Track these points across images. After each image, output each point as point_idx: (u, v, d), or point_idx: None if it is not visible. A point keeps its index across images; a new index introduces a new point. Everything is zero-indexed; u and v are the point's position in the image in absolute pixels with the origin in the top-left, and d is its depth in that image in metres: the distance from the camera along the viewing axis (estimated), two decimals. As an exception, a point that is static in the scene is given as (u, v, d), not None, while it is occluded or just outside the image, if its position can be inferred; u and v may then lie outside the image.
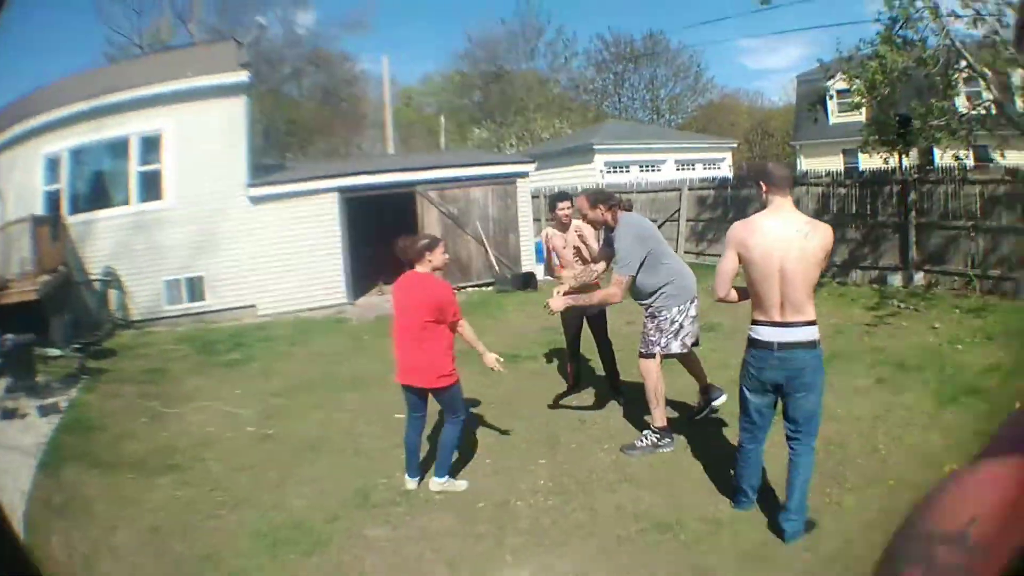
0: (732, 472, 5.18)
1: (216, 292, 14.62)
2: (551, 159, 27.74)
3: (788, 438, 4.67)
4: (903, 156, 13.38)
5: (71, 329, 11.57)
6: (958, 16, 11.28)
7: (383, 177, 16.22)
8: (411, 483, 5.71)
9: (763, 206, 4.58)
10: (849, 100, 28.47)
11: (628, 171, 28.34)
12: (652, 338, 6.17)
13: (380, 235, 17.30)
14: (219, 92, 14.71)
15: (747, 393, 4.72)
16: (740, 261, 4.55)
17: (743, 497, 5.02)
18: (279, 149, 36.70)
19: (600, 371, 7.97)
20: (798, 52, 77.43)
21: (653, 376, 6.18)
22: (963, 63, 11.51)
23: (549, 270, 7.83)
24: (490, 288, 16.08)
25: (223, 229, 14.50)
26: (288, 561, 4.63)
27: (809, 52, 77.94)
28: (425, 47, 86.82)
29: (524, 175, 17.35)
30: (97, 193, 14.99)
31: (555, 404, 7.65)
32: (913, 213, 13.06)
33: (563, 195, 7.68)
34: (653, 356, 6.15)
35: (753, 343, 4.59)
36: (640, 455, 6.15)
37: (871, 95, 12.54)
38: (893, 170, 13.55)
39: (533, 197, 19.62)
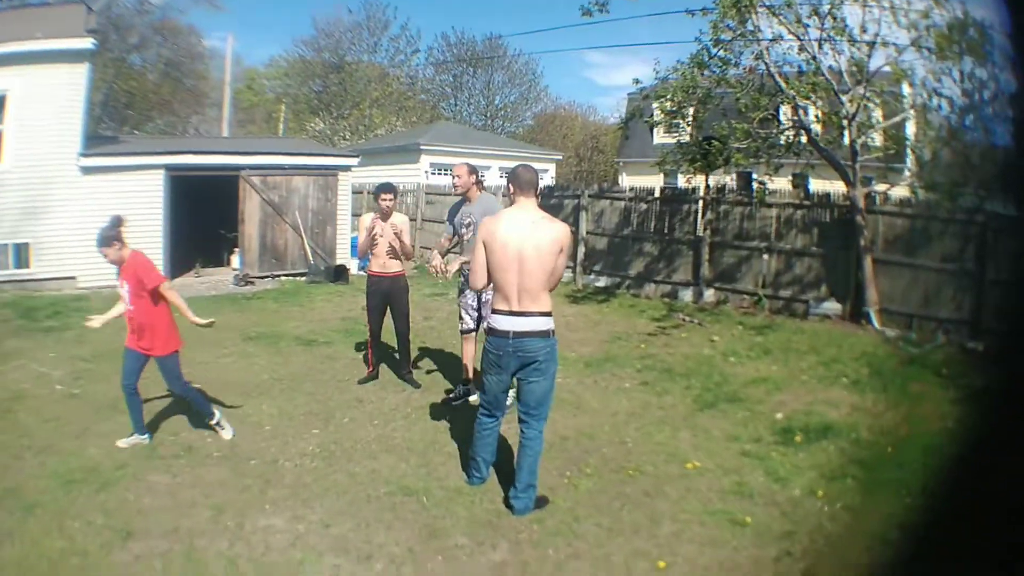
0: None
1: (41, 260, 14.32)
2: (379, 156, 28.08)
3: (520, 420, 5.03)
4: (707, 177, 14.08)
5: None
6: (781, 39, 12.07)
7: (210, 159, 16.10)
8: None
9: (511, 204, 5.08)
10: (671, 121, 30.21)
11: (449, 174, 28.36)
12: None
13: (203, 216, 17.06)
14: (65, 57, 14.22)
15: (486, 375, 5.11)
16: (486, 252, 4.90)
17: (475, 472, 5.35)
18: (117, 122, 35.04)
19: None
20: (646, 70, 79.96)
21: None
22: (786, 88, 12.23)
23: (366, 252, 8.03)
24: (303, 278, 16.13)
25: (53, 197, 14.14)
26: (79, 495, 5.16)
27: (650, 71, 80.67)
28: (276, 30, 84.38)
29: (347, 169, 17.74)
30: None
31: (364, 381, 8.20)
32: (708, 232, 13.80)
33: (388, 186, 7.91)
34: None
35: (491, 331, 4.96)
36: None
37: (670, 116, 13.22)
38: (694, 189, 14.27)
39: (355, 192, 19.59)
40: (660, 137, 32.32)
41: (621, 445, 6.24)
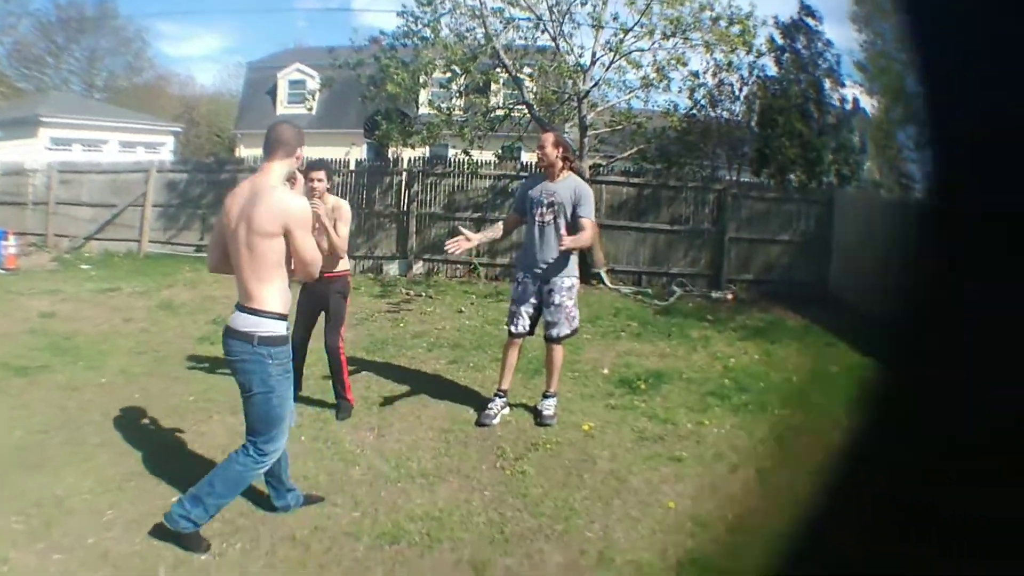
0: None
1: None
2: None
3: None
4: (408, 149, 14.48)
5: None
6: (512, 20, 12.79)
7: None
8: None
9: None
10: (300, 91, 30.03)
11: (71, 149, 25.70)
12: (574, 314, 6.32)
13: None
14: None
15: None
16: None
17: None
18: None
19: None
20: (219, 42, 78.12)
21: (562, 356, 6.48)
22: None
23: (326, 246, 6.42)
24: None
25: None
26: None
27: (228, 43, 79.07)
28: None
29: None
30: None
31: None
32: (415, 204, 14.18)
33: (320, 163, 6.79)
34: (575, 333, 6.49)
35: None
36: (556, 420, 6.31)
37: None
38: (395, 161, 14.58)
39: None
40: (283, 108, 32.02)
41: (506, 425, 6.29)
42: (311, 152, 15.61)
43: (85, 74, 48.23)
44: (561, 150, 6.25)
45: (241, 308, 3.99)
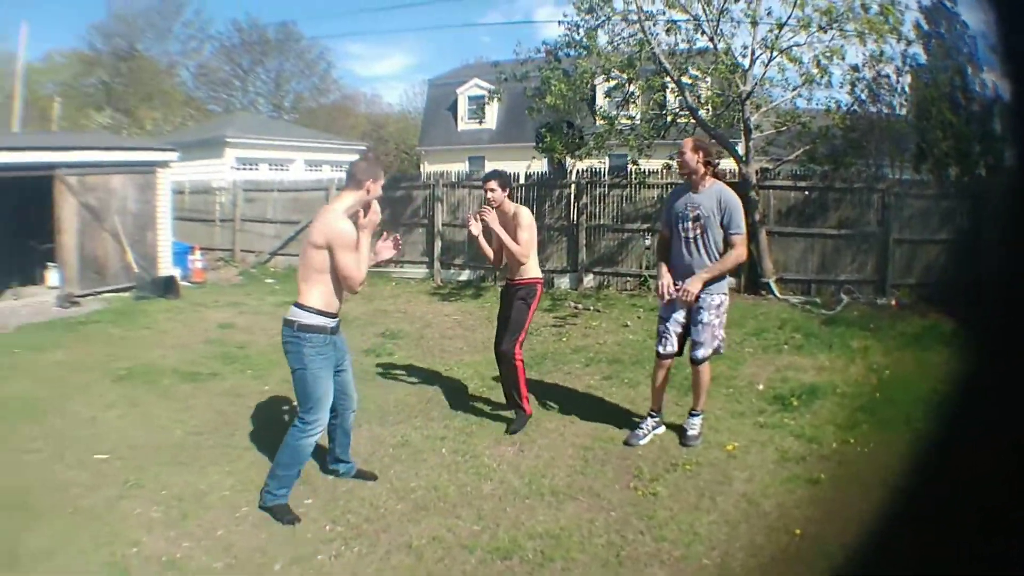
0: None
1: None
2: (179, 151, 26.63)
3: None
4: (572, 161, 14.65)
5: None
6: (673, 23, 12.80)
7: (23, 156, 13.89)
8: None
9: None
10: (478, 106, 30.89)
11: (257, 168, 27.58)
12: (718, 333, 6.08)
13: (13, 227, 14.93)
14: None
15: None
16: None
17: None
18: None
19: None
20: (404, 60, 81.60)
21: (710, 370, 6.22)
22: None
23: (493, 258, 7.06)
24: (128, 294, 14.54)
25: None
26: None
27: (415, 61, 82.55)
28: (60, 22, 77.49)
29: (165, 165, 16.00)
30: None
31: None
32: (584, 216, 14.30)
33: (494, 173, 6.91)
34: (718, 353, 6.22)
35: None
36: (701, 441, 6.18)
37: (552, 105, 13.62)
38: (565, 174, 14.77)
39: (177, 192, 18.40)
40: (464, 124, 33.00)
41: (649, 444, 6.25)
42: (491, 165, 16.67)
43: (272, 95, 52.12)
44: (702, 155, 5.92)
45: (294, 303, 4.89)
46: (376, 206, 5.20)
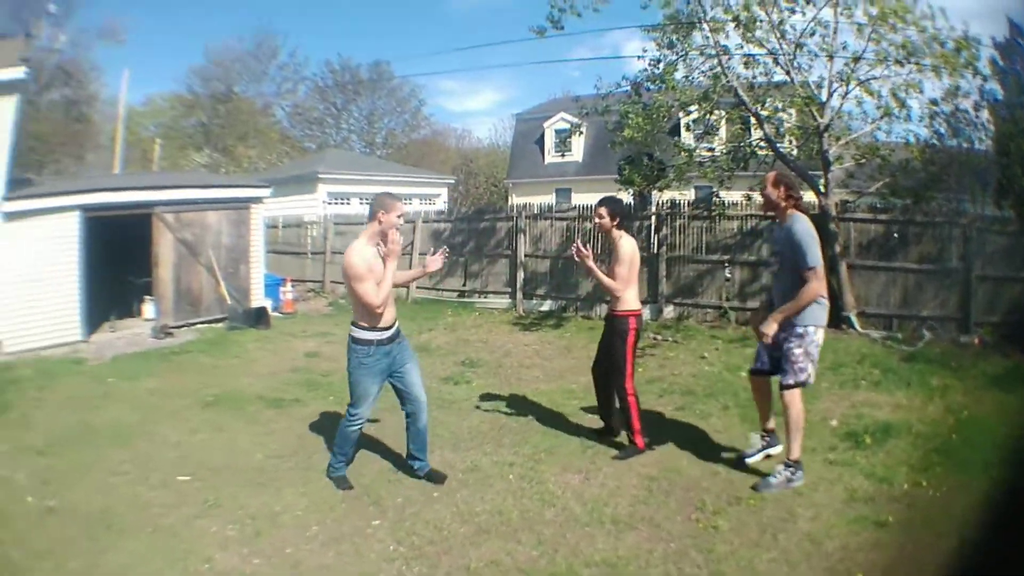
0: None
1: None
2: (274, 187, 27.68)
3: None
4: (656, 192, 14.74)
5: None
6: (750, 57, 12.87)
7: (125, 196, 14.74)
8: None
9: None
10: (564, 139, 31.20)
11: (348, 203, 28.37)
12: (801, 365, 5.95)
13: (112, 264, 15.73)
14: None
15: None
16: None
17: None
18: (21, 165, 33.54)
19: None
20: (494, 96, 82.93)
21: (799, 406, 5.98)
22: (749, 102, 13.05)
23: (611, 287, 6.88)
24: (220, 324, 15.24)
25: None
26: None
27: (505, 96, 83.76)
28: (158, 67, 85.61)
29: (259, 201, 16.81)
30: None
31: None
32: (664, 247, 14.34)
33: (606, 200, 7.06)
34: (803, 385, 5.99)
35: None
36: (777, 491, 5.90)
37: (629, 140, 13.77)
38: (645, 204, 14.85)
39: (271, 227, 19.05)
40: (551, 157, 33.40)
41: (715, 476, 6.32)
42: (577, 198, 16.98)
43: (364, 133, 53.76)
44: (783, 190, 5.95)
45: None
46: (395, 235, 5.85)
